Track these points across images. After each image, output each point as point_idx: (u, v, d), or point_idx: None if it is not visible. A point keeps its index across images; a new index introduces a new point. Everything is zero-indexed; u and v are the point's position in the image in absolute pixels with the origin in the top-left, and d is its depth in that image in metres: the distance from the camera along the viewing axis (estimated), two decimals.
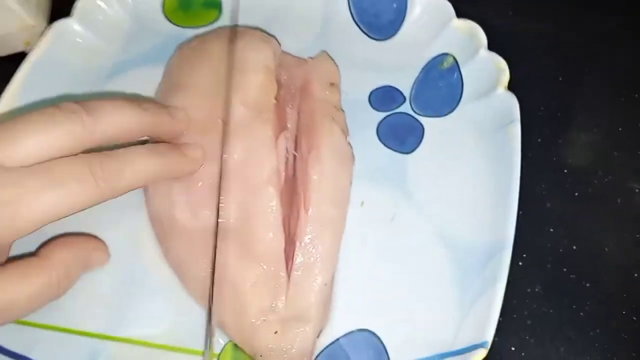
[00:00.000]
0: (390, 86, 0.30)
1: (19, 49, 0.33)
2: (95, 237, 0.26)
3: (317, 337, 0.24)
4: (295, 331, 0.23)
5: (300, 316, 0.23)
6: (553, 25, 0.33)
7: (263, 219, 0.24)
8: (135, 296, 0.25)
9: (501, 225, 0.25)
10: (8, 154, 0.20)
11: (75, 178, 0.20)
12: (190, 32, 0.32)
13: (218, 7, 0.32)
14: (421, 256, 0.26)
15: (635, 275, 0.28)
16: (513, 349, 0.26)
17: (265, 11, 0.32)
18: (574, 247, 0.28)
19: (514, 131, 0.27)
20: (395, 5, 0.31)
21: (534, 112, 0.30)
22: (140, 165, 0.23)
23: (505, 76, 0.28)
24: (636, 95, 0.32)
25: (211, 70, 0.27)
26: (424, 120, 0.29)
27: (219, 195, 0.23)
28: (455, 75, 0.30)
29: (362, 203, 0.27)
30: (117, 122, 0.22)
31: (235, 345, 0.24)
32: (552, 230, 0.28)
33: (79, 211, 0.21)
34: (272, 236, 0.23)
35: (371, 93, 0.30)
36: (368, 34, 0.32)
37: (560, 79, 0.32)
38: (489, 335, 0.23)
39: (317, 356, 0.24)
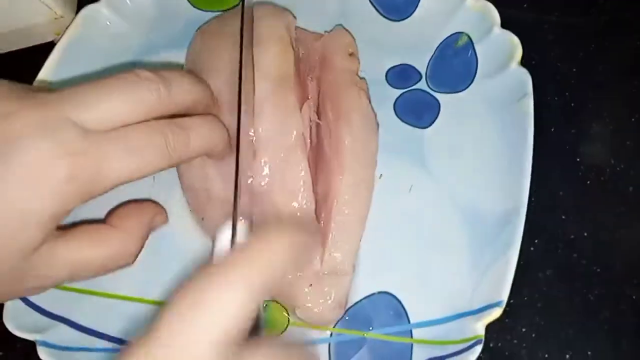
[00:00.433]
0: (407, 64, 0.31)
1: (49, 39, 0.34)
2: (155, 202, 0.27)
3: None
4: (331, 283, 0.25)
5: (338, 269, 0.25)
6: (565, 15, 0.34)
7: (294, 181, 0.25)
8: (168, 262, 0.27)
9: (515, 194, 0.26)
10: (87, 117, 0.20)
11: (151, 146, 0.21)
12: (213, 16, 0.33)
13: None
14: (438, 224, 0.28)
15: None
16: (524, 330, 0.27)
17: None
18: (585, 234, 0.29)
19: (527, 105, 0.28)
20: None
21: (549, 102, 0.31)
22: (204, 137, 0.23)
23: (519, 52, 0.29)
24: None
25: (230, 52, 0.28)
26: (439, 96, 0.31)
27: (237, 160, 0.24)
28: (469, 53, 0.31)
29: (381, 176, 0.28)
30: (188, 94, 0.23)
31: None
32: (564, 217, 0.29)
33: (147, 176, 0.22)
34: (303, 197, 0.25)
35: (388, 71, 0.31)
36: (384, 14, 0.33)
37: (574, 69, 0.32)
38: (505, 295, 0.24)
39: (341, 317, 0.26)
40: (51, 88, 0.29)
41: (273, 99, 0.26)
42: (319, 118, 0.28)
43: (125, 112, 0.21)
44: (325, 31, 0.31)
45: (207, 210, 0.27)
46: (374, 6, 0.33)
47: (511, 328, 0.27)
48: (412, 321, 0.26)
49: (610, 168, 0.30)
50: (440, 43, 0.32)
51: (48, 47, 0.31)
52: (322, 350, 0.26)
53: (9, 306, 0.25)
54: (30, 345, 0.25)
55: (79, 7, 0.32)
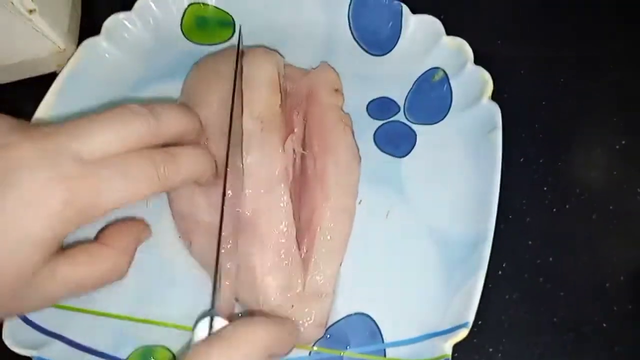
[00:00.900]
0: (386, 97, 0.33)
1: (52, 69, 0.35)
2: (140, 220, 0.28)
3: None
4: (312, 304, 0.27)
5: (319, 292, 0.27)
6: (537, 51, 0.36)
7: (276, 212, 0.27)
8: (157, 283, 0.29)
9: (483, 220, 0.28)
10: (84, 147, 0.22)
11: (143, 173, 0.23)
12: (206, 49, 0.35)
13: (231, 26, 0.36)
14: (412, 248, 0.29)
15: (607, 285, 0.30)
16: (491, 350, 0.28)
17: (273, 31, 0.35)
18: (550, 259, 0.30)
19: (496, 137, 0.30)
20: (391, 24, 0.34)
21: (519, 134, 0.33)
22: (193, 165, 0.25)
23: (490, 87, 0.31)
24: (615, 119, 0.34)
25: (223, 87, 0.30)
26: (416, 127, 0.32)
27: (224, 190, 0.26)
28: (445, 87, 0.33)
29: (360, 201, 0.30)
30: (176, 124, 0.25)
31: None
32: (530, 242, 0.31)
33: (139, 201, 0.23)
34: (285, 226, 0.27)
35: (369, 103, 0.33)
36: (367, 50, 0.35)
37: (544, 102, 0.34)
38: (471, 317, 0.25)
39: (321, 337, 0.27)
40: (49, 123, 0.31)
41: (261, 135, 0.28)
42: (304, 149, 0.30)
43: (117, 143, 0.23)
44: (312, 67, 0.33)
45: (194, 235, 0.28)
46: (357, 42, 0.35)
47: (479, 347, 0.28)
48: (385, 341, 0.27)
49: (575, 197, 0.32)
50: (418, 77, 0.34)
51: (51, 77, 0.33)
52: None
53: (7, 324, 0.26)
54: None
55: (80, 40, 0.34)
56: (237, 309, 0.28)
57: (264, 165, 0.28)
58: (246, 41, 0.32)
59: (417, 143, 0.32)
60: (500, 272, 0.30)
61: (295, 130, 0.30)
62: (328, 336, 0.28)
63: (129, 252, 0.26)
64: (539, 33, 0.37)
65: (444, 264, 0.29)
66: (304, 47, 0.35)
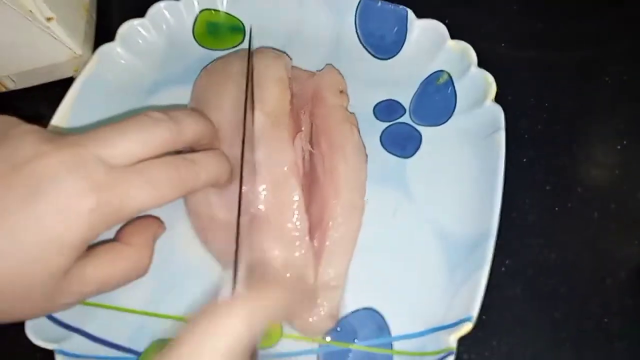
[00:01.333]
0: (392, 99, 0.34)
1: (68, 74, 0.37)
2: (155, 217, 0.29)
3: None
4: (324, 295, 0.28)
5: (330, 284, 0.28)
6: (539, 53, 0.37)
7: (289, 206, 0.28)
8: (173, 278, 0.30)
9: (487, 219, 0.29)
10: (110, 154, 0.23)
11: (167, 179, 0.24)
12: (218, 54, 0.36)
13: (242, 31, 0.37)
14: (418, 246, 0.30)
15: (607, 281, 0.30)
16: (495, 343, 0.29)
17: (281, 35, 0.36)
18: (552, 256, 0.31)
19: (500, 138, 0.30)
20: (396, 29, 0.35)
21: (521, 135, 0.34)
22: (212, 170, 0.26)
23: (493, 89, 0.32)
24: (615, 120, 0.35)
25: (232, 90, 0.31)
26: (421, 129, 0.33)
27: (240, 188, 0.27)
28: (449, 90, 0.34)
29: (367, 201, 0.31)
30: (195, 129, 0.26)
31: None
32: (533, 240, 0.31)
33: (162, 205, 0.25)
34: (297, 219, 0.28)
35: (375, 106, 0.34)
36: (373, 53, 0.36)
37: (546, 104, 0.35)
38: (475, 311, 0.26)
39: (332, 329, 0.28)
40: (68, 127, 0.32)
41: (271, 132, 0.29)
42: (312, 148, 0.31)
43: (141, 149, 0.24)
44: (318, 70, 0.34)
45: (209, 233, 0.29)
46: (364, 46, 0.36)
47: (484, 341, 0.29)
48: (392, 334, 0.28)
49: (577, 196, 0.33)
50: (424, 80, 0.34)
51: (68, 81, 0.34)
52: None
53: (30, 320, 0.28)
54: (49, 356, 0.27)
55: (96, 46, 0.35)
56: None
57: (275, 159, 0.29)
58: (255, 45, 0.34)
59: (422, 144, 0.33)
60: (503, 269, 0.31)
61: (303, 129, 0.31)
62: (338, 329, 0.28)
63: (149, 249, 0.27)
64: (540, 35, 0.38)
65: (449, 261, 0.29)
66: (311, 52, 0.36)
